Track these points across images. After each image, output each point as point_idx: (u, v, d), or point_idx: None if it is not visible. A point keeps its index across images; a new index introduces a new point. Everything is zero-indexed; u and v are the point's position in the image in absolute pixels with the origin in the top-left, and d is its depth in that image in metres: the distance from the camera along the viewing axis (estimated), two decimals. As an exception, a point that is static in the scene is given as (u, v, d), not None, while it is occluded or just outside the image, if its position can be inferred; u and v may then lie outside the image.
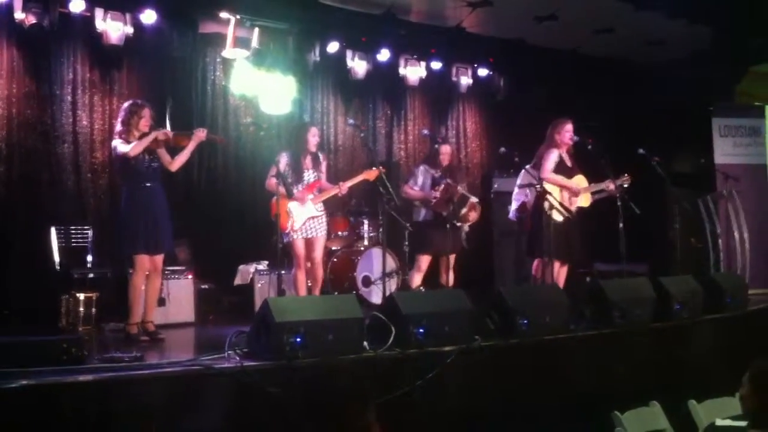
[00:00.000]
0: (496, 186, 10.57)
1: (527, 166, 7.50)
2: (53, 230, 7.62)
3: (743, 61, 10.80)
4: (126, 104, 6.63)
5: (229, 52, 8.83)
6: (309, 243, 7.16)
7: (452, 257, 7.53)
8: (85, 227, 7.87)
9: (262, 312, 4.91)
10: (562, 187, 7.38)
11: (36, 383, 4.02)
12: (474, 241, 9.10)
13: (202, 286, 8.10)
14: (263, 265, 8.32)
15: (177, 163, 6.66)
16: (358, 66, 9.81)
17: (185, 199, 8.71)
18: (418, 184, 7.76)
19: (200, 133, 6.67)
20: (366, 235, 8.94)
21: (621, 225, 7.30)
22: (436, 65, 10.43)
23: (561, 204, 7.29)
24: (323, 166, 7.41)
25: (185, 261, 8.10)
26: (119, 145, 6.40)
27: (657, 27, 9.68)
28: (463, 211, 7.57)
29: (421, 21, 9.83)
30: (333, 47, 9.46)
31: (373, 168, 7.28)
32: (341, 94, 10.24)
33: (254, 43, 8.88)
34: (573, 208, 7.48)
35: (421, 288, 7.69)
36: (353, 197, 8.58)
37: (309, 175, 7.21)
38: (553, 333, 5.92)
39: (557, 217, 7.21)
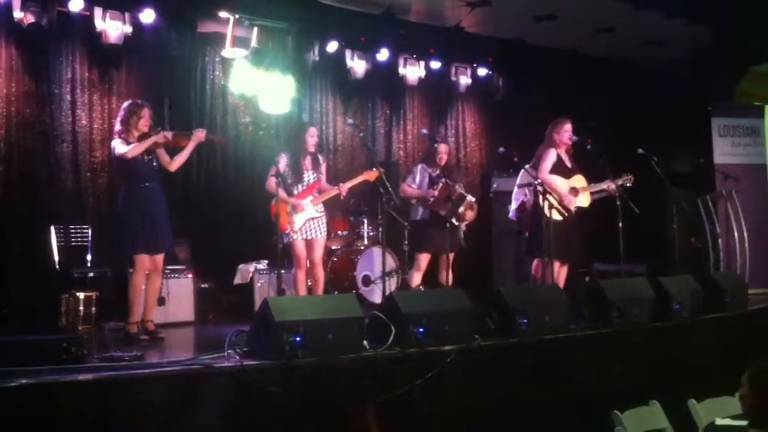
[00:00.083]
0: (495, 186, 10.58)
1: (526, 166, 7.51)
2: (53, 229, 7.61)
3: (743, 61, 10.80)
4: (125, 104, 6.64)
5: (228, 51, 8.83)
6: (309, 244, 7.16)
7: (451, 256, 7.53)
8: (85, 226, 7.86)
9: (262, 311, 4.91)
10: (557, 188, 7.35)
11: (36, 382, 4.02)
12: (473, 241, 9.10)
13: (202, 286, 8.10)
14: (263, 265, 8.32)
15: (176, 163, 6.66)
16: (358, 65, 9.81)
17: (184, 198, 8.72)
18: (416, 182, 7.76)
19: (199, 133, 6.67)
20: (366, 235, 8.94)
21: (620, 225, 7.30)
22: (436, 65, 10.43)
23: (560, 203, 7.30)
24: (323, 167, 7.41)
25: (185, 260, 8.10)
26: (118, 146, 6.40)
27: (656, 27, 9.68)
28: (461, 210, 7.57)
29: (421, 21, 9.83)
30: (332, 47, 9.46)
31: (373, 169, 7.28)
32: (340, 94, 10.24)
33: (253, 42, 8.88)
34: (572, 208, 7.48)
35: (421, 287, 7.68)
36: (353, 197, 8.57)
37: (309, 176, 7.21)
38: (553, 332, 5.93)
39: (557, 216, 7.21)
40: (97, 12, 8.05)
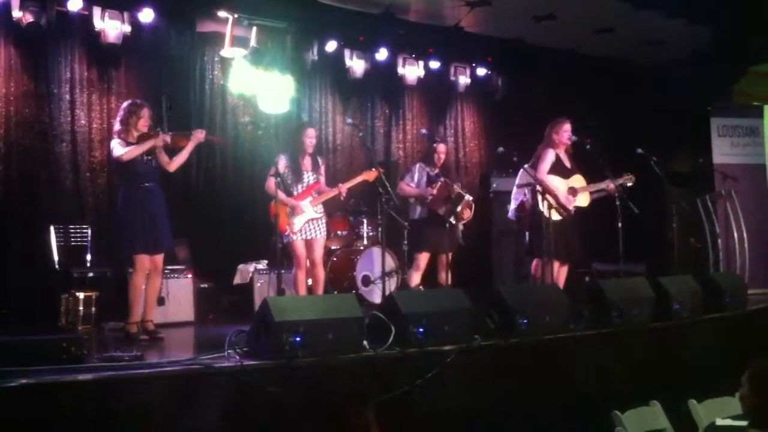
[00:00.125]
0: (494, 185, 10.57)
1: (525, 166, 7.51)
2: (52, 229, 7.61)
3: (742, 61, 10.80)
4: (125, 104, 6.63)
5: (227, 51, 8.83)
6: (309, 244, 7.16)
7: (449, 255, 7.53)
8: (84, 226, 7.86)
9: (262, 311, 4.90)
10: (549, 192, 7.33)
11: (35, 382, 4.02)
12: (473, 241, 9.10)
13: (202, 286, 8.10)
14: (263, 265, 8.32)
15: (175, 163, 6.66)
16: (357, 65, 9.81)
17: (184, 198, 8.71)
18: (414, 181, 7.76)
19: (199, 134, 6.66)
20: (365, 235, 8.94)
21: (620, 225, 7.30)
22: (435, 65, 10.43)
23: (558, 203, 7.30)
24: (322, 169, 7.41)
25: (185, 260, 8.10)
26: (116, 148, 6.41)
27: (656, 27, 9.68)
28: (459, 208, 7.57)
29: (420, 20, 9.82)
30: (331, 46, 9.45)
31: (372, 169, 7.28)
32: (339, 94, 10.24)
33: (252, 42, 8.87)
34: (571, 208, 7.48)
35: (421, 287, 7.68)
36: (352, 197, 8.57)
37: (308, 177, 7.21)
38: (553, 333, 5.92)
39: (556, 216, 7.21)
40: (96, 11, 8.04)
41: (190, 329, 7.50)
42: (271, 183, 6.92)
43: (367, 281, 8.48)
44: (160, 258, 6.53)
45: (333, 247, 8.69)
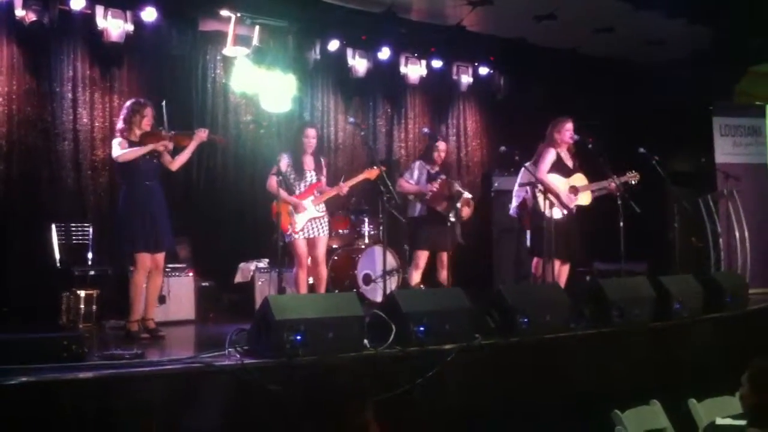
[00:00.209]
0: (496, 185, 10.57)
1: (527, 164, 7.52)
2: (54, 227, 7.62)
3: (743, 61, 10.79)
4: (128, 103, 6.64)
5: (229, 50, 8.83)
6: (311, 242, 7.15)
7: (449, 253, 7.54)
8: (86, 224, 7.87)
9: (263, 310, 4.91)
10: (550, 191, 7.33)
11: (36, 380, 4.03)
12: (473, 240, 9.10)
13: (203, 284, 8.10)
14: (264, 263, 8.33)
15: (177, 162, 6.67)
16: (359, 64, 9.82)
17: (185, 197, 8.73)
18: (414, 178, 7.75)
19: (201, 133, 6.68)
20: (367, 233, 8.94)
21: (621, 224, 7.30)
22: (437, 64, 10.43)
23: (559, 201, 7.30)
24: (324, 169, 7.41)
25: (186, 259, 8.11)
26: (115, 147, 6.43)
27: (657, 27, 9.68)
28: (458, 206, 7.57)
29: (422, 19, 9.83)
30: (333, 45, 9.46)
31: (374, 167, 7.28)
32: (341, 93, 10.24)
33: (254, 41, 8.88)
34: (572, 207, 7.49)
35: (422, 286, 7.68)
36: (354, 196, 8.58)
37: (310, 176, 7.20)
38: (553, 332, 5.93)
39: (557, 215, 7.21)
40: (99, 10, 8.06)
41: (190, 327, 7.51)
42: (272, 182, 6.91)
43: (368, 280, 8.49)
44: (161, 256, 6.54)
45: (334, 246, 8.69)
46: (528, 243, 7.76)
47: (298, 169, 7.13)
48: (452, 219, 7.47)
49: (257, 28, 8.86)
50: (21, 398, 3.95)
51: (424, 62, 10.34)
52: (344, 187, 7.27)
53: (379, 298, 7.84)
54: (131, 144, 6.40)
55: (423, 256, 7.69)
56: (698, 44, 10.31)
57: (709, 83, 10.45)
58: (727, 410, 4.25)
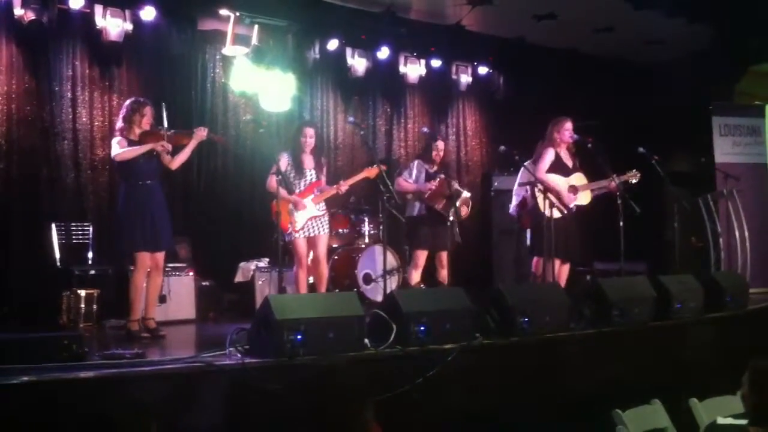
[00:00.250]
0: (496, 184, 10.58)
1: (526, 163, 7.52)
2: (53, 227, 7.62)
3: (742, 61, 10.79)
4: (128, 101, 6.64)
5: (228, 49, 8.82)
6: (312, 241, 7.14)
7: (447, 253, 7.54)
8: (86, 224, 7.87)
9: (263, 309, 4.90)
10: (550, 190, 7.33)
11: (36, 380, 4.02)
12: (473, 240, 9.11)
13: (203, 284, 8.11)
14: (264, 263, 8.33)
15: (177, 161, 6.66)
16: (358, 64, 9.81)
17: (185, 196, 8.74)
18: (412, 177, 7.73)
19: (201, 132, 6.67)
20: (367, 233, 8.94)
21: (621, 224, 7.30)
22: (436, 63, 10.43)
23: (559, 201, 7.30)
24: (324, 168, 7.40)
25: (186, 258, 8.11)
26: (114, 146, 6.43)
27: (656, 26, 9.68)
28: (457, 205, 7.56)
29: (421, 19, 9.84)
30: (333, 45, 9.46)
31: (374, 165, 7.27)
32: (341, 92, 10.24)
33: (254, 40, 8.87)
34: (571, 206, 7.49)
35: (422, 285, 7.68)
36: (353, 195, 8.57)
37: (310, 175, 7.19)
38: (553, 332, 5.92)
39: (556, 214, 7.21)
40: (98, 9, 8.06)
41: (191, 327, 7.51)
42: (272, 181, 6.89)
43: (368, 279, 8.48)
44: (160, 256, 6.54)
45: (334, 246, 8.68)
46: (528, 242, 7.77)
47: (298, 168, 7.13)
48: (451, 218, 7.47)
49: (256, 27, 8.85)
50: (21, 398, 3.94)
51: (423, 62, 10.34)
52: (344, 186, 7.26)
53: (379, 298, 7.83)
54: (131, 143, 6.40)
55: (422, 256, 7.68)
56: (698, 44, 10.31)
57: (708, 83, 10.46)
58: (728, 410, 4.25)
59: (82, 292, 7.08)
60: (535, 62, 10.54)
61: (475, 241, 10.46)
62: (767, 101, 10.89)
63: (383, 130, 10.58)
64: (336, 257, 8.57)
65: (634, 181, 7.55)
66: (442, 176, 7.61)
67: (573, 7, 9.16)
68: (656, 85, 10.42)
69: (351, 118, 9.01)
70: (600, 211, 7.76)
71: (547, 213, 7.09)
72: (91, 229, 7.85)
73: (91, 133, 8.30)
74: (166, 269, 7.21)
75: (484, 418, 5.16)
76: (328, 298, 6.00)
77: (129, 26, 8.17)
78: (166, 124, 6.51)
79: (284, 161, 7.09)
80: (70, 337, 4.67)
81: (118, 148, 6.37)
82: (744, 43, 10.22)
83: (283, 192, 6.56)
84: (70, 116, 8.18)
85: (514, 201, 7.80)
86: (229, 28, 8.69)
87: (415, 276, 7.69)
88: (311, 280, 7.33)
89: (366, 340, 5.07)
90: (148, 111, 6.50)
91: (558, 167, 7.52)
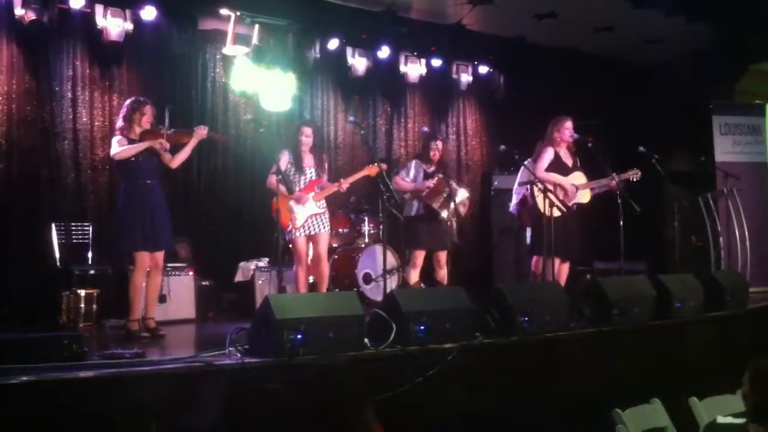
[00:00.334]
0: (496, 183, 10.58)
1: (526, 162, 7.52)
2: (53, 227, 7.62)
3: (743, 60, 10.79)
4: (128, 101, 6.65)
5: (229, 48, 8.83)
6: (313, 239, 7.14)
7: (445, 252, 7.54)
8: (86, 224, 7.87)
9: (263, 309, 4.90)
10: (555, 184, 7.35)
11: (36, 380, 4.02)
12: (473, 239, 9.10)
13: (203, 283, 8.11)
14: (264, 262, 8.33)
15: (177, 160, 6.66)
16: (359, 63, 9.82)
17: (185, 196, 8.74)
18: (410, 176, 7.73)
19: (201, 130, 6.67)
20: (367, 232, 8.94)
21: (621, 223, 7.29)
22: (437, 63, 10.44)
23: (559, 199, 7.31)
24: (325, 166, 7.40)
25: (186, 258, 8.11)
26: (113, 145, 6.44)
27: (656, 25, 9.69)
28: (455, 203, 7.55)
29: (422, 18, 9.84)
30: (333, 44, 9.46)
31: (375, 164, 7.27)
32: (341, 92, 10.24)
33: (254, 40, 8.88)
34: (571, 204, 7.49)
35: (422, 284, 7.68)
36: (353, 194, 8.57)
37: (311, 173, 7.19)
38: (554, 331, 5.92)
39: (556, 213, 7.22)
40: (98, 9, 8.07)
41: (191, 327, 7.51)
42: (272, 179, 6.89)
43: (368, 279, 8.48)
44: (160, 255, 6.54)
45: (334, 245, 8.69)
46: (528, 241, 7.76)
47: (298, 167, 7.13)
48: (444, 215, 7.45)
49: (257, 26, 8.86)
50: (21, 398, 3.94)
51: (423, 61, 10.34)
52: (344, 184, 7.25)
53: (379, 297, 7.83)
54: (131, 142, 6.41)
55: (420, 256, 7.68)
56: (698, 43, 10.31)
57: (708, 82, 10.45)
58: (728, 409, 4.25)
59: (82, 292, 7.08)
60: (536, 61, 10.55)
61: (474, 241, 10.47)
62: (767, 100, 10.89)
63: (383, 129, 10.59)
64: (336, 257, 8.58)
65: (634, 179, 7.54)
66: (440, 176, 7.61)
67: (573, 7, 9.17)
68: (656, 84, 10.42)
69: (351, 118, 9.00)
70: (600, 210, 7.76)
71: (547, 212, 7.09)
72: (91, 229, 7.85)
73: (92, 133, 8.31)
74: (166, 269, 7.22)
75: (484, 418, 5.16)
76: (328, 298, 5.99)
77: (129, 26, 8.18)
78: (167, 122, 6.51)
79: (284, 160, 7.09)
80: (70, 336, 4.67)
81: (117, 147, 6.37)
82: (744, 42, 10.21)
83: (283, 189, 6.56)
84: (71, 116, 8.19)
85: (515, 200, 7.81)
86: (230, 28, 8.69)
87: (414, 276, 7.69)
88: (311, 279, 7.33)
89: (366, 340, 5.06)
90: (148, 110, 6.50)
91: (557, 166, 7.52)
